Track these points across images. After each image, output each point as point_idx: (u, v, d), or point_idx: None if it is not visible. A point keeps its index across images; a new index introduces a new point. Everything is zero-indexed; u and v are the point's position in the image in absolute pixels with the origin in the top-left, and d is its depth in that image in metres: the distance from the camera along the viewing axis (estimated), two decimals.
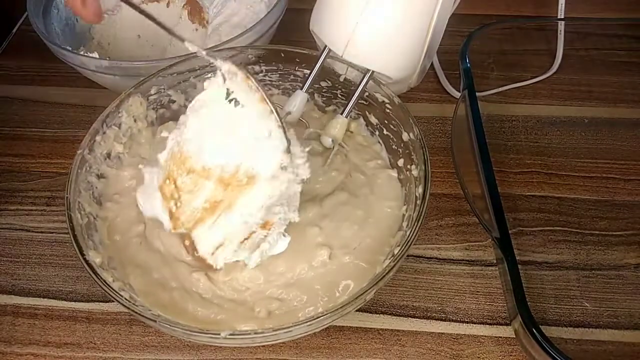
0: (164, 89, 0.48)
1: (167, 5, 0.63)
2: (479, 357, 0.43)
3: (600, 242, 0.48)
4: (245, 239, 0.37)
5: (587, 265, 0.47)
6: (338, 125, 0.46)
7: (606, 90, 0.59)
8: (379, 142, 0.48)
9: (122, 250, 0.41)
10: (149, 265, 0.41)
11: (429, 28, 0.46)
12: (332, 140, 0.46)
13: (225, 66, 0.35)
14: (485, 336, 0.44)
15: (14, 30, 0.67)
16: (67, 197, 0.39)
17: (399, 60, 0.46)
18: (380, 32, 0.43)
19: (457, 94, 0.58)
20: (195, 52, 0.36)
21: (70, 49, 0.56)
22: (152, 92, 0.47)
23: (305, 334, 0.37)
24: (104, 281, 0.36)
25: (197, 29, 0.63)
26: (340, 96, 0.49)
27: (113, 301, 0.36)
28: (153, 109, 0.48)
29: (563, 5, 0.61)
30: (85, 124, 0.44)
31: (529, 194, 0.51)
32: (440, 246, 0.49)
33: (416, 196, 0.41)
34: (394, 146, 0.47)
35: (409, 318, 0.45)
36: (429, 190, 0.40)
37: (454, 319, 0.45)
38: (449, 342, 0.43)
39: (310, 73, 0.46)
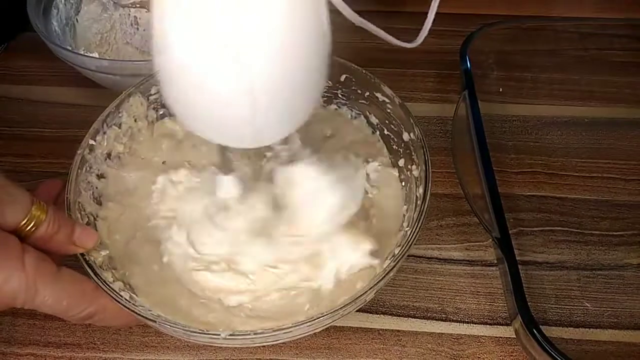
0: None
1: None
2: (479, 358, 0.43)
3: (601, 242, 0.48)
4: None
5: (587, 266, 0.47)
6: None
7: (606, 90, 0.59)
8: (379, 141, 0.48)
9: (122, 250, 0.41)
10: (149, 265, 0.41)
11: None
12: None
13: None
14: (485, 336, 0.44)
15: (14, 30, 0.67)
16: (67, 197, 0.39)
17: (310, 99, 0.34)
18: (282, 97, 0.31)
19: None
20: None
21: (70, 48, 0.56)
22: (153, 91, 0.47)
23: (306, 335, 0.37)
24: (104, 281, 0.36)
25: None
26: (340, 96, 0.49)
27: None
28: (153, 108, 0.48)
29: None
30: (86, 124, 0.44)
31: (529, 194, 0.51)
32: (440, 246, 0.48)
33: (417, 196, 0.41)
34: (394, 146, 0.47)
35: (410, 318, 0.45)
36: (429, 190, 0.40)
37: (454, 319, 0.44)
38: (450, 342, 0.43)
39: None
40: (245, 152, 0.43)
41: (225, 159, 0.38)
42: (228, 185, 0.39)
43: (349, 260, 0.39)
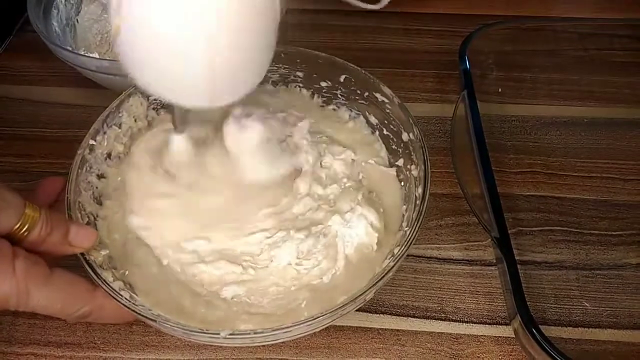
0: None
1: None
2: (478, 357, 0.43)
3: (600, 242, 0.48)
4: None
5: (586, 265, 0.47)
6: None
7: (605, 91, 0.59)
8: (378, 141, 0.48)
9: (122, 249, 0.41)
10: (148, 264, 0.41)
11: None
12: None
13: None
14: (484, 336, 0.44)
15: (14, 30, 0.67)
16: (67, 197, 0.39)
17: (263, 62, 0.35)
18: (238, 57, 0.32)
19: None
20: None
21: (70, 49, 0.56)
22: None
23: (305, 334, 0.37)
24: (104, 281, 0.36)
25: None
26: (340, 96, 0.49)
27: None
28: (153, 108, 0.48)
29: None
30: (86, 124, 0.44)
31: (528, 193, 0.51)
32: (439, 246, 0.49)
33: (416, 196, 0.41)
34: (393, 146, 0.47)
35: (409, 318, 0.45)
36: (428, 190, 0.40)
37: (453, 318, 0.45)
38: (449, 341, 0.43)
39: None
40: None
41: (181, 119, 0.38)
42: (179, 143, 0.39)
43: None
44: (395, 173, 0.46)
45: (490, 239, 0.46)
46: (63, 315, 0.36)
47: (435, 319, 0.45)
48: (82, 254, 0.37)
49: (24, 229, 0.34)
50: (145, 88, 0.33)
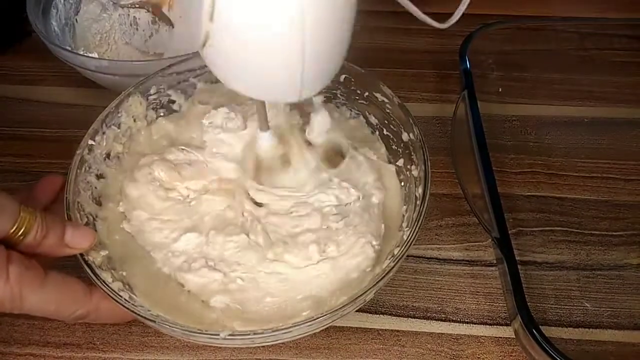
0: (163, 88, 0.48)
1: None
2: (478, 358, 0.43)
3: (601, 242, 0.48)
4: None
5: (587, 266, 0.47)
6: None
7: (606, 90, 0.59)
8: (378, 141, 0.48)
9: (120, 249, 0.41)
10: (147, 265, 0.41)
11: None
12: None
13: None
14: (485, 336, 0.44)
15: (14, 30, 0.67)
16: (66, 198, 0.39)
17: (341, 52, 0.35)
18: (326, 56, 0.33)
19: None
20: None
21: (70, 49, 0.56)
22: (152, 92, 0.47)
23: (305, 335, 0.37)
24: (104, 281, 0.36)
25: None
26: (340, 96, 0.49)
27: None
28: (153, 108, 0.48)
29: None
30: (85, 124, 0.44)
31: (528, 194, 0.51)
32: (440, 246, 0.48)
33: (416, 196, 0.41)
34: (394, 146, 0.47)
35: (409, 318, 0.45)
36: (428, 190, 0.40)
37: (453, 319, 0.44)
38: (449, 342, 0.43)
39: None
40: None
41: (263, 117, 0.39)
42: (268, 139, 0.40)
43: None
44: (394, 169, 0.46)
45: (490, 239, 0.46)
46: (59, 317, 0.36)
47: (435, 320, 0.44)
48: (82, 254, 0.37)
49: (20, 232, 0.34)
50: (237, 89, 0.33)
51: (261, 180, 0.42)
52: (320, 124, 0.41)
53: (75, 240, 0.36)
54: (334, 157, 0.43)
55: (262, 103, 0.38)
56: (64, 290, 0.36)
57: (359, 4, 0.32)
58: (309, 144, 0.42)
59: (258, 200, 0.42)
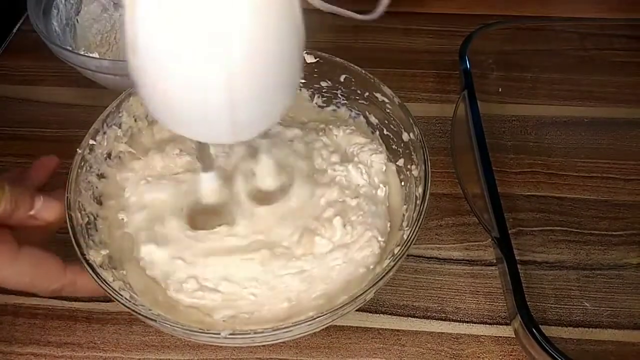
0: None
1: None
2: (478, 357, 0.43)
3: (601, 242, 0.48)
4: None
5: (587, 265, 0.47)
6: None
7: (606, 90, 0.59)
8: (379, 142, 0.48)
9: (121, 247, 0.41)
10: (144, 264, 0.41)
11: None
12: None
13: None
14: (485, 336, 0.44)
15: (14, 30, 0.67)
16: (67, 197, 0.39)
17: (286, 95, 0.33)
18: (263, 96, 0.31)
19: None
20: None
21: (70, 48, 0.56)
22: None
23: (306, 334, 0.37)
24: (105, 281, 0.36)
25: None
26: (340, 96, 0.49)
27: (113, 301, 0.36)
28: None
29: None
30: (86, 124, 0.44)
31: (528, 193, 0.51)
32: (440, 246, 0.49)
33: (416, 196, 0.41)
34: (394, 146, 0.47)
35: (409, 318, 0.45)
36: (428, 190, 0.40)
37: (453, 318, 0.45)
38: (449, 341, 0.43)
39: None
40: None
41: (205, 156, 0.38)
42: (210, 182, 0.39)
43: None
44: (394, 168, 0.46)
45: (490, 239, 0.46)
46: (33, 290, 0.37)
47: (435, 319, 0.45)
48: (83, 254, 0.37)
49: None
50: (166, 126, 0.32)
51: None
52: (264, 170, 0.40)
53: (42, 213, 0.37)
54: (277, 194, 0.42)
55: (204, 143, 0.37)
56: (38, 264, 0.37)
57: (305, 38, 0.30)
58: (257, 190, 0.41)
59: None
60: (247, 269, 0.39)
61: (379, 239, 0.41)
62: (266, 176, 0.40)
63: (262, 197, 0.41)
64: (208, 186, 0.39)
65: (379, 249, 0.41)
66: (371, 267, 0.40)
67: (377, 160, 0.45)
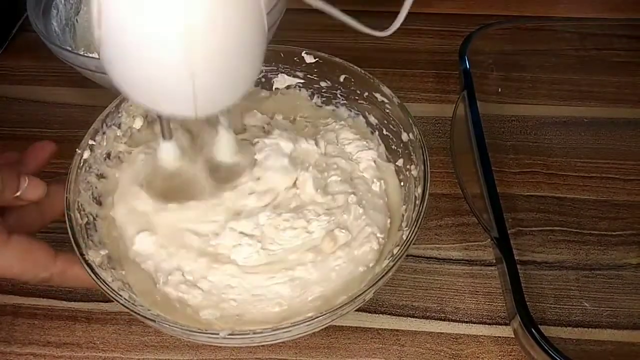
0: None
1: None
2: (478, 357, 0.43)
3: (600, 242, 0.48)
4: None
5: (586, 265, 0.47)
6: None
7: (606, 90, 0.59)
8: (377, 141, 0.48)
9: (120, 247, 0.41)
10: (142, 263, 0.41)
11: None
12: None
13: None
14: (484, 336, 0.44)
15: (14, 30, 0.67)
16: (66, 197, 0.39)
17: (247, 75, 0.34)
18: (224, 71, 0.31)
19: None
20: None
21: (70, 49, 0.56)
22: None
23: (305, 334, 0.37)
24: (104, 281, 0.36)
25: None
26: (339, 96, 0.49)
27: (113, 301, 0.36)
28: None
29: None
30: (85, 124, 0.44)
31: (528, 194, 0.51)
32: (439, 246, 0.49)
33: (415, 196, 0.41)
34: (393, 146, 0.47)
35: (408, 318, 0.45)
36: (428, 190, 0.40)
37: (453, 318, 0.45)
38: (448, 341, 0.43)
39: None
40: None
41: (165, 126, 0.38)
42: (168, 150, 0.39)
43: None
44: (393, 168, 0.46)
45: (490, 239, 0.46)
46: (22, 279, 0.37)
47: (434, 319, 0.45)
48: (82, 254, 0.37)
49: None
50: (130, 98, 0.33)
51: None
52: (225, 147, 0.40)
53: (26, 194, 0.38)
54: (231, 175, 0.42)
55: None
56: (28, 253, 0.37)
57: (266, 26, 0.31)
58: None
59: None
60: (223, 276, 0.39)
61: (378, 235, 0.41)
62: (225, 152, 0.40)
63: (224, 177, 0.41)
64: (167, 154, 0.39)
65: (378, 245, 0.41)
66: (370, 265, 0.40)
67: (365, 156, 0.45)
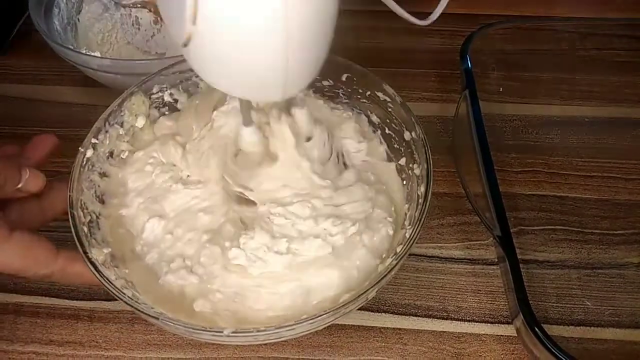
0: (166, 87, 0.48)
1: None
2: (480, 356, 0.43)
3: (602, 241, 0.48)
4: None
5: (588, 264, 0.47)
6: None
7: (606, 90, 0.59)
8: (380, 141, 0.48)
9: (123, 246, 0.41)
10: (144, 261, 0.41)
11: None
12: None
13: None
14: (487, 335, 0.44)
15: (16, 29, 0.67)
16: (69, 195, 0.39)
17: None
18: (310, 52, 0.32)
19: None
20: None
21: (72, 47, 0.56)
22: (154, 90, 0.47)
23: (308, 332, 0.37)
24: (107, 279, 0.36)
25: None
26: (342, 95, 0.49)
27: (115, 299, 0.36)
28: (155, 107, 0.48)
29: None
30: (87, 123, 0.44)
31: (530, 193, 0.52)
32: (442, 245, 0.49)
33: (418, 195, 0.41)
34: (395, 145, 0.47)
35: (411, 316, 0.45)
36: (430, 189, 0.40)
37: (455, 317, 0.45)
38: (451, 340, 0.43)
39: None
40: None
41: (246, 112, 0.39)
42: (250, 135, 0.40)
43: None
44: (394, 167, 0.46)
45: (492, 238, 0.46)
46: (23, 275, 0.37)
47: (437, 318, 0.45)
48: (85, 253, 0.37)
49: None
50: (220, 88, 0.34)
51: (242, 178, 0.41)
52: (301, 119, 0.41)
53: (27, 186, 0.38)
54: None
55: (247, 100, 0.38)
56: (29, 249, 0.37)
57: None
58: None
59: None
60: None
61: (389, 219, 0.42)
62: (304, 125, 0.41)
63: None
64: (250, 138, 0.40)
65: (392, 230, 0.41)
66: (384, 255, 0.40)
67: (347, 144, 0.46)
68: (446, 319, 0.45)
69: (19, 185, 0.37)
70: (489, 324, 0.44)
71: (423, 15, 0.41)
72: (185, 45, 0.30)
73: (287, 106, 0.41)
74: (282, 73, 0.31)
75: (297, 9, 0.29)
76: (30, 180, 0.38)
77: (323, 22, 0.31)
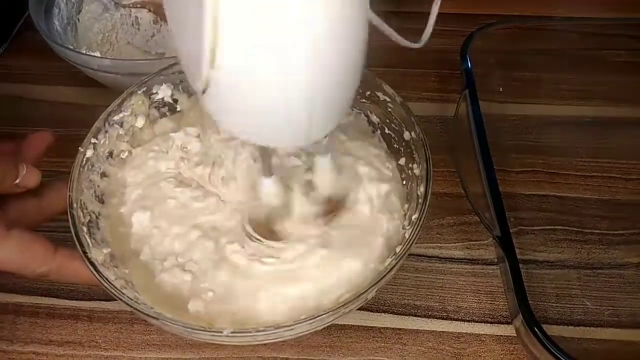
0: (166, 87, 0.48)
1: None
2: (480, 356, 0.43)
3: (601, 241, 0.48)
4: None
5: (588, 264, 0.47)
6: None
7: (606, 90, 0.59)
8: (379, 140, 0.48)
9: (124, 244, 0.41)
10: (144, 261, 0.41)
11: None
12: None
13: None
14: (486, 335, 0.44)
15: (16, 29, 0.67)
16: (69, 195, 0.39)
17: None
18: (337, 95, 0.31)
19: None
20: None
21: (72, 47, 0.56)
22: (155, 90, 0.47)
23: (307, 332, 0.37)
24: (107, 279, 0.36)
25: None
26: None
27: (115, 299, 0.36)
28: (155, 107, 0.48)
29: None
30: (87, 123, 0.44)
31: (530, 193, 0.52)
32: (441, 245, 0.49)
33: (418, 195, 0.41)
34: (395, 145, 0.47)
35: (410, 317, 0.45)
36: (430, 189, 0.40)
37: (455, 317, 0.45)
38: (450, 340, 0.43)
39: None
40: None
41: (267, 163, 0.38)
42: (271, 187, 0.39)
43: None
44: (391, 174, 0.46)
45: (492, 238, 0.46)
46: (21, 273, 0.37)
47: (436, 318, 0.45)
48: (85, 253, 0.37)
49: None
50: (240, 137, 0.32)
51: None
52: (325, 173, 0.39)
53: (24, 181, 0.38)
54: (334, 204, 0.41)
55: (266, 148, 0.36)
56: (27, 247, 0.37)
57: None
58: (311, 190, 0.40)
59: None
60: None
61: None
62: (326, 180, 0.40)
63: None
64: (271, 191, 0.39)
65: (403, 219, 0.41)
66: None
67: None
68: (446, 319, 0.45)
69: (17, 181, 0.37)
70: (488, 324, 0.44)
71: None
72: (204, 91, 0.28)
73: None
74: (307, 116, 0.29)
75: (328, 50, 0.27)
76: (28, 176, 0.38)
77: (353, 58, 0.29)
